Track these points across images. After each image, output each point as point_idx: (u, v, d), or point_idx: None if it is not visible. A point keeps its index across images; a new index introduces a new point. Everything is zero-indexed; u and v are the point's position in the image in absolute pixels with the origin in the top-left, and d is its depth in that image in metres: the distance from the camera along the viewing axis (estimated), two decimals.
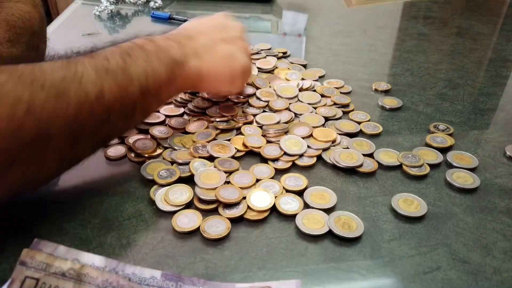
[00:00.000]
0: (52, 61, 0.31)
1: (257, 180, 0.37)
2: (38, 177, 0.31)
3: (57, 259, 0.22)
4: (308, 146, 0.42)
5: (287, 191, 0.36)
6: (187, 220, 0.33)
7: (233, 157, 0.40)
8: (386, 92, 0.54)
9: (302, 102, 0.50)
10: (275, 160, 0.40)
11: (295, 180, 0.37)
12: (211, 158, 0.40)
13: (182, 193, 0.35)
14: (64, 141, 0.29)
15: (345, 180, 0.38)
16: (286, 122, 0.45)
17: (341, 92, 0.53)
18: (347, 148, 0.42)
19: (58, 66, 0.30)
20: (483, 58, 0.67)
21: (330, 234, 0.32)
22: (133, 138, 0.42)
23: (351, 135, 0.45)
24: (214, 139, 0.42)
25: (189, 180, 0.37)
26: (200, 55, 0.40)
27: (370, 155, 0.41)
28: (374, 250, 0.31)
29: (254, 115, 0.47)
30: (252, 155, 0.41)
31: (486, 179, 0.39)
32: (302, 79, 0.56)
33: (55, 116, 0.28)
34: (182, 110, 0.47)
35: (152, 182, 0.37)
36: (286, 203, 0.35)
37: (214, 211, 0.34)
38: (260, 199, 0.35)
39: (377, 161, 0.40)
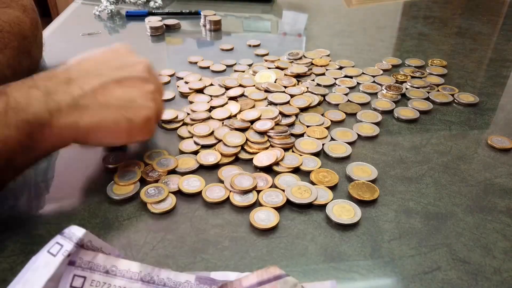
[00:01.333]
0: None
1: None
2: None
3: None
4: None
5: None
6: None
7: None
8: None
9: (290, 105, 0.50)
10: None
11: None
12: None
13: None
14: None
15: (345, 180, 0.38)
16: (288, 125, 0.45)
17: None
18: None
19: None
20: (483, 58, 0.67)
21: (330, 234, 0.32)
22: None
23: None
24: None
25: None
26: (80, 106, 0.31)
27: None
28: (374, 250, 0.31)
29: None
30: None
31: (486, 179, 0.39)
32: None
33: None
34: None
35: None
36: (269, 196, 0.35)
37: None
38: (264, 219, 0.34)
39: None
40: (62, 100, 0.30)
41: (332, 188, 0.37)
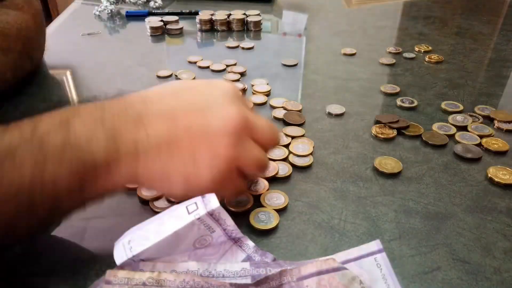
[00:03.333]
0: None
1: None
2: None
3: (136, 273, 0.25)
4: None
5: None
6: None
7: None
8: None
9: None
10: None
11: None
12: None
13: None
14: None
15: (345, 180, 0.38)
16: None
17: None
18: None
19: None
20: (483, 58, 0.67)
21: (330, 234, 0.33)
22: None
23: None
24: None
25: None
26: (141, 155, 0.27)
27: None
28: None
29: None
30: None
31: (486, 179, 0.39)
32: None
33: None
34: None
35: None
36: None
37: None
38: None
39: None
40: (124, 147, 0.26)
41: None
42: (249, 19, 0.76)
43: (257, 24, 0.76)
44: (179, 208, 0.28)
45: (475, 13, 0.89)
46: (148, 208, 0.34)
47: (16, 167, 0.24)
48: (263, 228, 0.33)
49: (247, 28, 0.77)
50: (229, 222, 0.29)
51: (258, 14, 0.78)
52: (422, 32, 0.78)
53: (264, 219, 0.33)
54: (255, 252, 0.30)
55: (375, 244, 0.30)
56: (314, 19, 0.85)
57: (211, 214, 0.27)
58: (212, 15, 0.77)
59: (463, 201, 0.36)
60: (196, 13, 0.80)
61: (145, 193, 0.35)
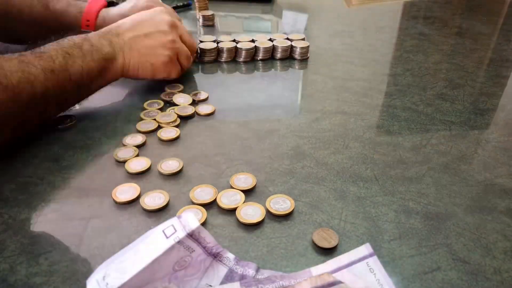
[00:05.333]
0: (9, 59, 0.38)
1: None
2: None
3: None
4: None
5: None
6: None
7: None
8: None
9: None
10: None
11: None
12: None
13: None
14: (12, 127, 0.38)
15: (345, 180, 0.39)
16: None
17: None
18: None
19: (15, 66, 0.37)
20: (483, 58, 0.67)
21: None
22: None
23: None
24: None
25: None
26: (125, 52, 0.48)
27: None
28: (374, 250, 0.31)
29: None
30: None
31: (486, 179, 0.39)
32: None
33: (7, 113, 0.37)
34: None
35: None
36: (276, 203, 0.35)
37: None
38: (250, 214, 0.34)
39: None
40: (117, 47, 0.47)
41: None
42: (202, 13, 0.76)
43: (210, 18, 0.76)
44: (155, 233, 0.27)
45: (475, 13, 0.89)
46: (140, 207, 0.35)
47: (74, 61, 0.42)
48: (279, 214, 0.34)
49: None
50: (209, 239, 0.28)
51: (270, 39, 0.66)
52: (422, 32, 0.78)
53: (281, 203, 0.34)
54: (236, 264, 0.29)
55: (365, 248, 0.29)
56: (314, 19, 0.85)
57: (191, 235, 0.27)
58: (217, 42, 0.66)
59: (463, 201, 0.36)
60: (188, 5, 0.81)
61: (148, 204, 0.36)
